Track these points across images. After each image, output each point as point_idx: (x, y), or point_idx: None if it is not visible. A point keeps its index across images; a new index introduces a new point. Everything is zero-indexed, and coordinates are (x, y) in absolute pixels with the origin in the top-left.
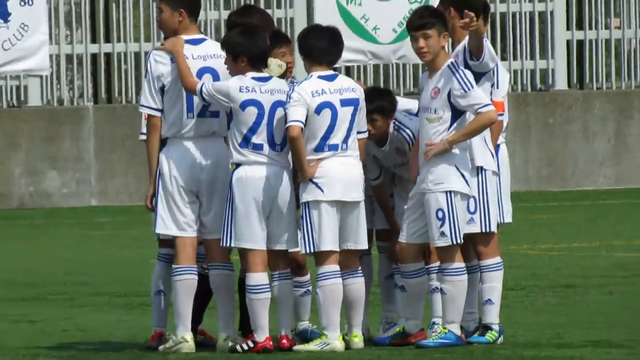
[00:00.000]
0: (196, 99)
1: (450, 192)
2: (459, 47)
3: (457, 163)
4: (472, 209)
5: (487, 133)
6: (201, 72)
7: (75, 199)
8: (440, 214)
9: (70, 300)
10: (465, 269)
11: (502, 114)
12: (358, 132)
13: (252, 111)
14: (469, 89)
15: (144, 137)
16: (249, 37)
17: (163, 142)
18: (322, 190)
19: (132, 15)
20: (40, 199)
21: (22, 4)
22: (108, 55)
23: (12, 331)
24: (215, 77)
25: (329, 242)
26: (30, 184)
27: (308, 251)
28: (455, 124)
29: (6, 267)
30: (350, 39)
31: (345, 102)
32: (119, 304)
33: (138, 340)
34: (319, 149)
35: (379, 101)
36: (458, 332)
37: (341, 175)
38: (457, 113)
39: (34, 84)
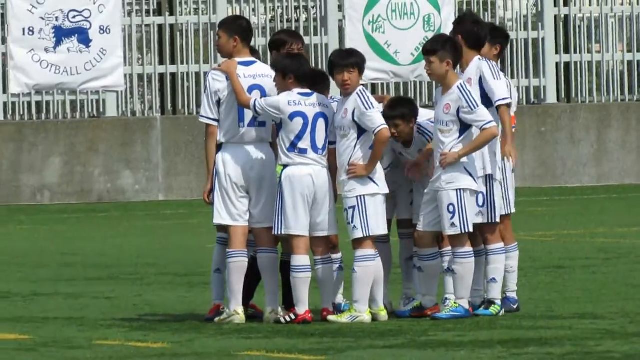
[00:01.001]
0: (247, 111)
1: (460, 189)
2: (472, 70)
3: (466, 165)
4: (480, 203)
5: (497, 147)
6: (251, 89)
7: (145, 194)
8: (451, 208)
9: (140, 279)
10: (472, 252)
11: (514, 126)
12: None
13: (298, 121)
14: (474, 107)
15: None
16: (295, 59)
17: (219, 147)
18: (377, 184)
19: (193, 41)
20: (116, 195)
21: (101, 32)
22: (173, 75)
23: (92, 306)
24: (263, 92)
25: (382, 228)
26: (108, 181)
27: (364, 235)
28: (463, 136)
29: (86, 252)
30: (375, 61)
31: None
32: (180, 282)
33: (197, 313)
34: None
35: (401, 108)
36: (467, 306)
37: (383, 172)
38: (465, 126)
39: (111, 98)
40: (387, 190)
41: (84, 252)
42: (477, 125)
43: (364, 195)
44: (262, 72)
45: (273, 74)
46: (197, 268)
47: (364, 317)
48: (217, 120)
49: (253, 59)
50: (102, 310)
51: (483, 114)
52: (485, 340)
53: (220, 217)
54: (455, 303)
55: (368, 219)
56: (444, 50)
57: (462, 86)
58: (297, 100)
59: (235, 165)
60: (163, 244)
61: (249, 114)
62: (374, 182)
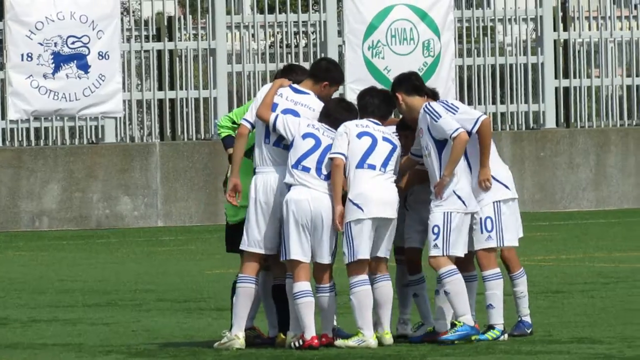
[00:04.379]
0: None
1: (447, 212)
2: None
3: (455, 188)
4: (489, 228)
5: (499, 167)
6: (286, 111)
7: (144, 221)
8: (435, 230)
9: (138, 305)
10: (455, 270)
11: None
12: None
13: (309, 141)
14: (437, 119)
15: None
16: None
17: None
18: (362, 210)
19: (192, 67)
20: (115, 221)
21: (100, 58)
22: (172, 101)
23: (89, 332)
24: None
25: (366, 253)
26: (106, 207)
27: (350, 261)
28: (442, 154)
29: (85, 278)
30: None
31: (385, 139)
32: (179, 308)
33: (195, 340)
34: (359, 166)
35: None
36: (471, 322)
37: (378, 195)
38: (440, 144)
39: (110, 124)
40: (374, 215)
41: (82, 279)
42: (446, 136)
43: (349, 222)
44: (305, 102)
45: (317, 108)
46: (195, 294)
47: (370, 342)
48: (253, 125)
49: (308, 90)
50: (101, 337)
51: (447, 123)
52: None
53: (242, 241)
54: (459, 322)
55: (354, 245)
56: (394, 87)
57: (426, 106)
58: (316, 126)
59: (264, 191)
60: (162, 270)
61: (273, 136)
62: (358, 207)
